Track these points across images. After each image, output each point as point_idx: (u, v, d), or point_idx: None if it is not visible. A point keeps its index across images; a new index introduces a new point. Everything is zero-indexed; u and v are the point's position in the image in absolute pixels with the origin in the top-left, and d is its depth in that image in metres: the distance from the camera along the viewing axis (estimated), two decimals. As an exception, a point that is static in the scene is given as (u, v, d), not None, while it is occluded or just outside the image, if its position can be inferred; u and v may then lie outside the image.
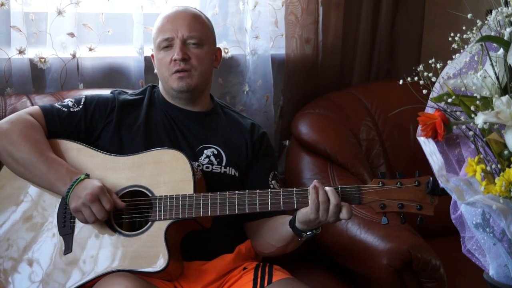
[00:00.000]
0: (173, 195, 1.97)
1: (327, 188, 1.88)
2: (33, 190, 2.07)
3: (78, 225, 2.01)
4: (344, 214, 1.87)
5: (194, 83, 2.15)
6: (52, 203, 2.05)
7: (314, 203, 1.87)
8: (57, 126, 2.12)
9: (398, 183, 1.86)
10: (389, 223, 1.86)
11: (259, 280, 2.03)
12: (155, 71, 2.23)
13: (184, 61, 2.13)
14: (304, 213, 1.91)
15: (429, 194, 1.82)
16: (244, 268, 2.10)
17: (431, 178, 1.80)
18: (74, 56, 2.61)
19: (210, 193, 1.96)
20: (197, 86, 2.17)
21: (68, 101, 2.18)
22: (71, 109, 2.15)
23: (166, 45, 2.15)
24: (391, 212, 1.86)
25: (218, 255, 2.10)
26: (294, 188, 1.94)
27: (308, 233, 1.95)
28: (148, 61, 2.72)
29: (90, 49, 2.66)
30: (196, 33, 2.16)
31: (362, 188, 1.88)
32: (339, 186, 1.89)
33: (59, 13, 2.56)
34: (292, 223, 1.97)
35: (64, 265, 1.99)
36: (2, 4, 2.50)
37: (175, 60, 2.13)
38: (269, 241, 2.11)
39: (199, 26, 2.18)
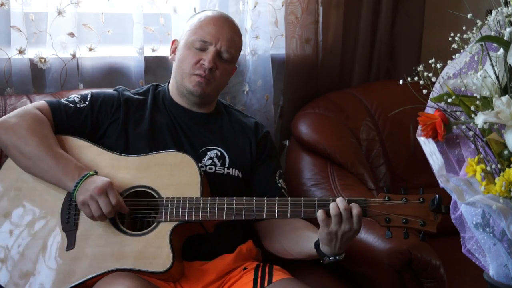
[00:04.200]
0: (180, 198, 1.97)
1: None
2: (37, 184, 2.05)
3: (82, 222, 2.00)
4: (355, 209, 1.86)
5: (208, 92, 2.16)
6: (57, 198, 2.03)
7: (325, 219, 1.87)
8: (64, 121, 2.12)
9: (404, 199, 1.88)
10: (392, 236, 1.89)
11: (259, 280, 2.03)
12: (170, 56, 2.23)
13: (210, 70, 2.13)
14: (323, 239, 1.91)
15: (433, 212, 1.85)
16: (244, 268, 2.10)
17: (436, 196, 1.84)
18: (74, 56, 2.61)
19: (217, 198, 1.96)
20: (209, 95, 2.18)
21: (75, 97, 2.18)
22: (78, 105, 2.15)
23: (200, 46, 2.15)
24: (395, 226, 1.89)
25: (218, 255, 2.10)
26: (302, 198, 1.94)
27: (331, 258, 1.93)
28: (148, 61, 2.72)
29: (90, 49, 2.66)
30: (232, 50, 2.18)
31: (368, 201, 1.90)
32: (346, 198, 1.90)
33: (59, 13, 2.55)
34: (317, 245, 1.96)
35: (65, 261, 1.98)
36: (2, 4, 2.49)
37: (202, 64, 2.13)
38: (288, 250, 2.11)
39: (238, 43, 2.22)
